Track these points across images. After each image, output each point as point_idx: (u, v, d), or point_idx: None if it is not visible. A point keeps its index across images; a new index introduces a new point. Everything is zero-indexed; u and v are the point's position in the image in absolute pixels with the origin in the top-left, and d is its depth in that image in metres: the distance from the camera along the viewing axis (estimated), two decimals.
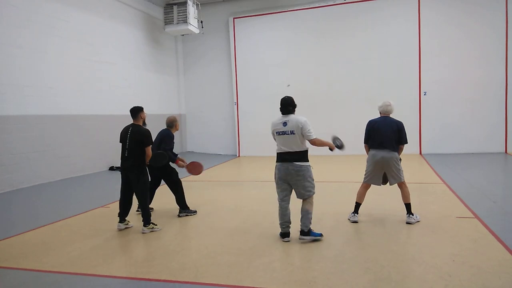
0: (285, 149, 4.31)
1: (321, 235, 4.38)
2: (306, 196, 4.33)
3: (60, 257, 4.13)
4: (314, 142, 4.34)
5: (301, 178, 4.26)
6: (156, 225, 5.01)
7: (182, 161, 5.87)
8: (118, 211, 5.15)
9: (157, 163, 5.23)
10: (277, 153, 4.42)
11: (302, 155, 4.30)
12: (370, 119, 5.12)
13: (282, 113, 4.42)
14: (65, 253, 4.25)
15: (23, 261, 4.04)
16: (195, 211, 5.80)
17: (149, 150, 4.89)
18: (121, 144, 5.02)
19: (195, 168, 6.04)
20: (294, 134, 4.24)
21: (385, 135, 4.86)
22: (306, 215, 4.32)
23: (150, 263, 3.88)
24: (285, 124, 4.30)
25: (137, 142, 4.83)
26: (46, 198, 7.28)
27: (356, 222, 4.95)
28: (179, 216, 5.66)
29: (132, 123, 5.03)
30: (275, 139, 4.48)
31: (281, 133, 4.32)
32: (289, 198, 4.45)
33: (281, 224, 4.42)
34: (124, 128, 5.04)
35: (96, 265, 3.88)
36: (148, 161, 4.98)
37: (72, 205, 6.56)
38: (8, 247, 4.51)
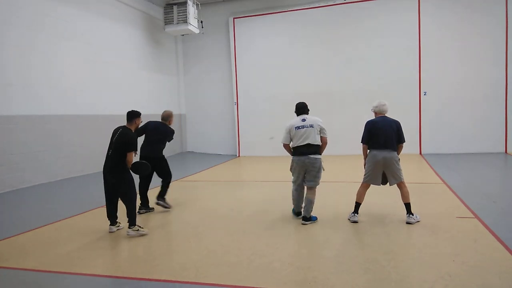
0: (302, 142, 4.90)
1: (316, 218, 5.11)
2: (314, 185, 5.00)
3: (60, 257, 4.13)
4: (325, 142, 5.03)
5: (316, 169, 4.93)
6: (142, 228, 4.80)
7: None
8: (119, 210, 5.11)
9: (140, 172, 5.17)
10: (293, 147, 5.04)
11: (317, 148, 4.94)
12: (369, 120, 5.11)
13: (298, 114, 5.13)
14: (65, 253, 4.25)
15: (23, 261, 4.04)
16: (153, 208, 5.94)
17: (130, 156, 4.74)
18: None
19: None
20: (312, 127, 4.94)
21: (387, 135, 4.87)
22: (309, 204, 4.99)
23: (150, 263, 3.89)
24: (304, 120, 5.01)
25: (122, 144, 4.71)
26: (46, 198, 7.28)
27: (356, 222, 4.95)
28: (139, 213, 5.66)
29: (124, 126, 4.93)
30: (290, 137, 5.04)
31: (300, 127, 4.96)
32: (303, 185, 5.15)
33: (295, 207, 5.24)
34: (115, 129, 4.95)
35: (96, 265, 3.88)
36: (130, 167, 4.85)
37: (72, 205, 6.55)
38: (8, 247, 4.51)
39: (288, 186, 6.97)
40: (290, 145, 5.10)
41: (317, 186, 5.04)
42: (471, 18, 11.21)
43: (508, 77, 11.06)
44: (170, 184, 6.04)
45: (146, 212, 5.88)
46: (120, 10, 11.19)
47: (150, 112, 12.08)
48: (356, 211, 5.04)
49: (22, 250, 4.37)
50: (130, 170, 4.88)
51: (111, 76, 10.70)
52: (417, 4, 11.58)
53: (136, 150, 4.89)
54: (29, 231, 5.08)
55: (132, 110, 5.02)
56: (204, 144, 14.46)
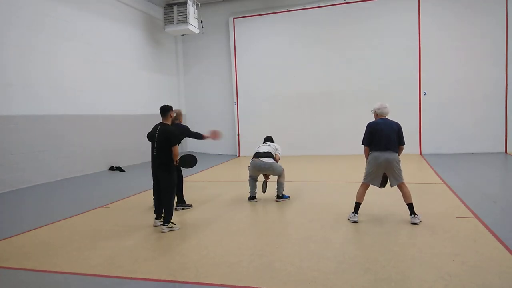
0: (262, 150, 6.45)
1: (288, 197, 6.48)
2: (278, 174, 6.32)
3: (60, 257, 4.13)
4: (278, 158, 6.51)
5: (270, 168, 6.27)
6: (175, 224, 5.01)
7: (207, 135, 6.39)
8: (119, 210, 5.16)
9: (187, 165, 5.25)
10: (254, 154, 6.49)
11: (271, 156, 6.35)
12: (370, 122, 5.09)
13: (264, 142, 6.85)
14: (65, 253, 4.25)
15: (24, 261, 4.04)
16: (191, 205, 6.18)
17: (175, 149, 4.91)
18: (150, 142, 5.10)
19: (215, 135, 6.45)
20: (269, 146, 6.58)
21: (388, 137, 4.87)
22: (280, 186, 6.37)
23: (150, 263, 3.88)
24: (265, 144, 6.71)
25: (165, 140, 4.88)
26: (46, 198, 7.28)
27: (356, 222, 4.95)
28: (175, 209, 5.87)
29: (160, 122, 5.06)
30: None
31: (261, 146, 6.62)
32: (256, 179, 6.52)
33: (251, 192, 6.45)
34: (153, 127, 5.08)
35: (95, 265, 3.88)
36: (176, 162, 4.99)
37: (72, 205, 6.55)
38: (9, 247, 4.51)
39: (288, 186, 6.98)
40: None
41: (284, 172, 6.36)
42: (471, 18, 11.21)
43: (508, 77, 11.06)
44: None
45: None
46: (120, 10, 11.20)
47: (150, 112, 12.14)
48: (356, 211, 5.04)
49: (22, 250, 4.37)
50: (179, 164, 5.03)
51: (111, 76, 10.70)
52: (417, 4, 11.58)
53: (179, 142, 5.06)
54: (29, 231, 5.08)
55: (164, 105, 5.11)
56: (204, 144, 14.42)
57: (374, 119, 5.17)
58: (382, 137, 4.87)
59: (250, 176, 6.48)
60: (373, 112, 5.20)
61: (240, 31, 13.42)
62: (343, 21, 12.30)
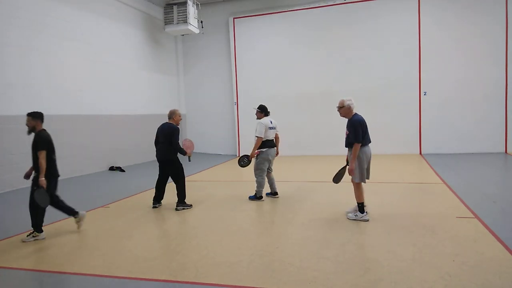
0: (272, 138, 6.38)
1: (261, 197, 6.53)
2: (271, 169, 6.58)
3: (59, 257, 4.13)
4: (278, 137, 6.66)
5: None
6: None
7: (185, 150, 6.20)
8: (119, 210, 5.18)
9: (41, 201, 4.61)
10: (265, 141, 6.25)
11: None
12: (357, 118, 5.04)
13: (266, 114, 6.60)
14: (65, 253, 4.25)
15: (23, 261, 4.05)
16: (191, 205, 6.17)
17: (42, 154, 4.74)
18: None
19: (188, 148, 6.31)
20: (275, 129, 6.52)
21: (367, 131, 5.05)
22: (274, 182, 6.57)
23: (150, 263, 3.88)
24: (271, 122, 6.46)
25: (34, 147, 4.87)
26: None
27: (367, 220, 4.97)
28: (176, 209, 5.97)
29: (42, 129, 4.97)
30: (264, 131, 6.28)
31: (272, 127, 6.42)
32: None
33: (259, 192, 6.41)
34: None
35: (96, 265, 3.88)
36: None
37: (72, 205, 6.53)
38: (8, 247, 4.51)
39: (289, 186, 6.99)
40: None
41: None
42: (471, 18, 11.21)
43: (508, 77, 11.07)
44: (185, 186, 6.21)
45: (159, 206, 6.27)
46: (120, 10, 11.20)
47: (150, 112, 12.16)
48: (363, 210, 5.03)
49: (22, 250, 4.37)
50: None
51: (111, 76, 10.70)
52: (417, 4, 11.58)
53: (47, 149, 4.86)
54: (29, 231, 5.07)
55: (36, 112, 5.09)
56: (204, 144, 14.46)
57: (349, 114, 5.11)
58: (367, 131, 5.02)
59: (262, 171, 6.33)
60: (346, 106, 5.07)
61: (240, 31, 13.42)
62: (343, 21, 12.31)
